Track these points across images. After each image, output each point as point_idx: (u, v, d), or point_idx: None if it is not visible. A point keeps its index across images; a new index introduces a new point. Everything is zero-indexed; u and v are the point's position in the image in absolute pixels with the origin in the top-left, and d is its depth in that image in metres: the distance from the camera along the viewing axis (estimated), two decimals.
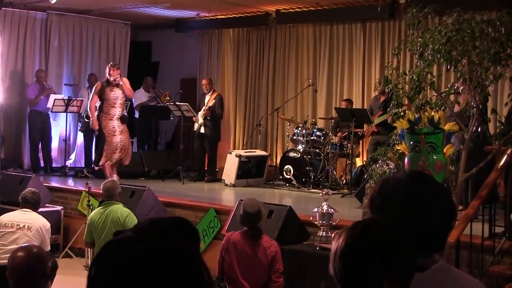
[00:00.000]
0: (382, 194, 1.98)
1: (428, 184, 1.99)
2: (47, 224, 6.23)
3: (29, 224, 6.08)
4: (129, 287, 1.21)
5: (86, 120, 11.54)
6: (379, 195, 1.98)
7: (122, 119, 9.66)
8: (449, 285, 1.93)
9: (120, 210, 6.26)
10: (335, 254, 1.73)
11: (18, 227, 6.07)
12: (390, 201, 1.95)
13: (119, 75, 9.65)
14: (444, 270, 1.94)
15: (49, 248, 6.14)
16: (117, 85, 9.59)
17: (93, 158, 11.76)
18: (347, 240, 1.72)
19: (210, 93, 11.15)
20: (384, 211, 1.95)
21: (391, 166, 5.42)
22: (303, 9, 11.64)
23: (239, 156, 10.41)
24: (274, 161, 11.46)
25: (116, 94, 9.60)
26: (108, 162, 9.58)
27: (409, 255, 1.74)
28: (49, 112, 11.45)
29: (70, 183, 10.39)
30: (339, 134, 10.62)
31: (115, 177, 9.22)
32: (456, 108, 6.12)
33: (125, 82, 9.79)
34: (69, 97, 11.36)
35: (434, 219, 1.93)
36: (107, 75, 9.65)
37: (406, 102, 5.77)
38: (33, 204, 6.33)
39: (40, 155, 11.65)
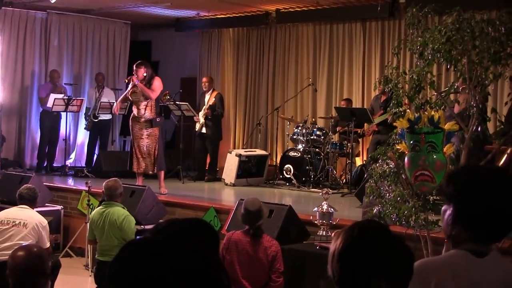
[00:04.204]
0: (462, 179, 2.12)
1: (508, 180, 2.12)
2: (44, 221, 6.16)
3: (25, 221, 6.01)
4: (146, 287, 1.22)
5: (94, 120, 11.57)
6: (461, 180, 2.12)
7: (149, 122, 8.90)
8: (505, 272, 2.10)
9: (117, 212, 6.23)
10: (333, 256, 1.74)
11: (13, 224, 6.00)
12: (468, 189, 2.08)
13: (143, 75, 8.87)
14: (498, 257, 2.12)
15: (48, 245, 6.07)
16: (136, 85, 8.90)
17: (95, 157, 11.79)
18: (345, 241, 1.73)
19: (210, 92, 11.15)
20: (459, 196, 2.08)
21: (391, 166, 5.41)
22: (303, 8, 11.64)
23: (239, 156, 10.41)
24: (274, 160, 11.46)
25: (137, 96, 8.92)
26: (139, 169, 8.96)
27: (406, 257, 1.74)
28: (60, 112, 11.46)
29: (70, 183, 10.39)
30: (338, 128, 10.63)
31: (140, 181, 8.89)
32: (456, 108, 6.12)
33: (153, 81, 8.94)
34: (69, 96, 11.37)
35: (509, 213, 2.07)
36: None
37: (407, 101, 5.76)
38: (29, 200, 6.27)
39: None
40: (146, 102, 8.92)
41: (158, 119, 8.98)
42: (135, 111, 9.00)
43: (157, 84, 9.03)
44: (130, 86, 8.98)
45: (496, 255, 2.11)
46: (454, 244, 2.12)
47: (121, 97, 9.44)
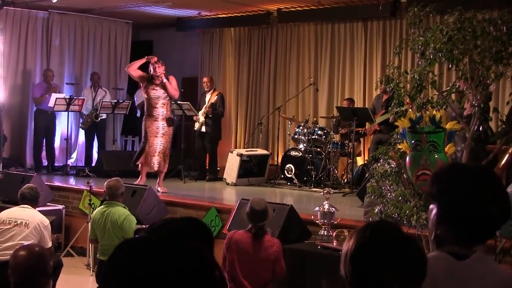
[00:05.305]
0: (445, 178, 2.06)
1: (493, 180, 2.06)
2: (46, 221, 6.15)
3: (26, 221, 6.00)
4: (141, 286, 1.22)
5: (95, 120, 11.54)
6: (443, 179, 2.06)
7: (168, 120, 8.97)
8: (487, 274, 2.03)
9: (118, 212, 6.23)
10: (346, 256, 1.74)
11: (15, 223, 6.00)
12: (451, 188, 2.02)
13: (163, 72, 8.97)
14: (481, 259, 2.04)
15: (49, 245, 6.06)
16: (160, 83, 8.93)
17: (96, 157, 11.78)
18: (357, 242, 1.73)
19: (211, 91, 11.15)
20: (443, 196, 2.03)
21: (392, 165, 5.41)
22: (305, 8, 11.64)
23: (241, 155, 10.41)
24: (276, 160, 11.46)
25: (158, 93, 8.92)
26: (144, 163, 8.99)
27: (419, 258, 1.74)
28: (55, 112, 11.45)
29: (72, 182, 10.39)
30: (341, 130, 10.62)
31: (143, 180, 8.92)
32: (466, 112, 6.13)
33: (171, 80, 9.07)
34: (70, 96, 11.37)
35: (493, 213, 2.01)
36: (151, 71, 8.96)
37: (408, 101, 5.77)
38: (31, 200, 6.26)
39: (43, 154, 11.68)
40: (164, 101, 8.99)
41: (175, 118, 9.04)
42: (150, 109, 8.97)
43: (175, 83, 9.20)
44: (155, 76, 8.91)
45: (480, 257, 2.04)
46: (437, 244, 2.07)
47: (139, 64, 9.19)
